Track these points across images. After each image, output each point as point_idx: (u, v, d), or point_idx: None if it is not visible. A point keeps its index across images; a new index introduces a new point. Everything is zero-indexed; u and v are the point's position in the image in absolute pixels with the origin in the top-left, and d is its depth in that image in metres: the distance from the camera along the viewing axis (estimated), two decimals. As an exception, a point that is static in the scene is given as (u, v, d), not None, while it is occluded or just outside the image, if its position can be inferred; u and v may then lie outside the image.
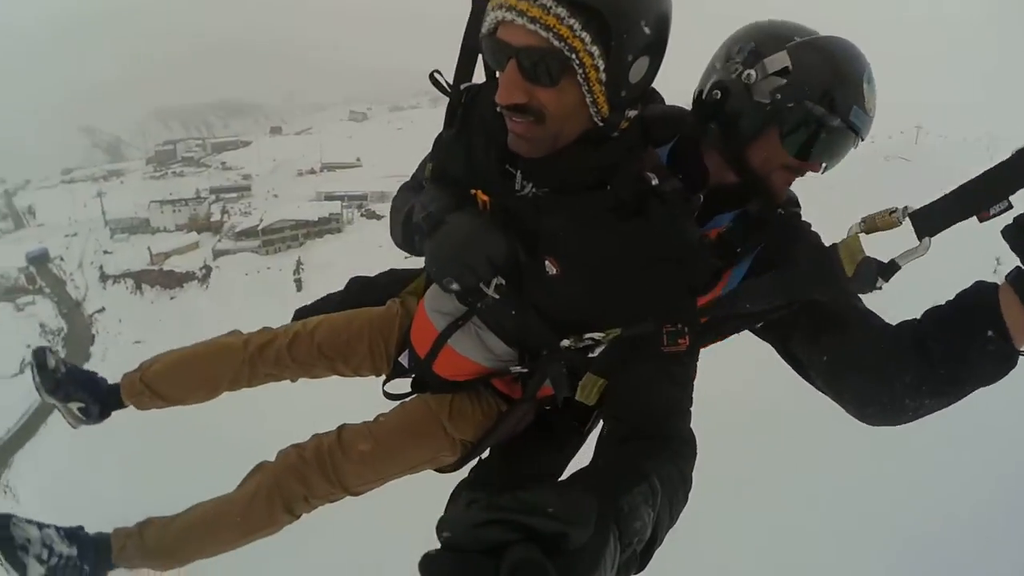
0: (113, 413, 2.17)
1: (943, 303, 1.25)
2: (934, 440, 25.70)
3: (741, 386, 28.07)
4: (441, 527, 0.71)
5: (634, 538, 0.93)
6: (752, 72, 1.55)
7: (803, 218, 1.79)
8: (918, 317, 1.30)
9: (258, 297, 56.92)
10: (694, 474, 1.33)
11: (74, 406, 2.07)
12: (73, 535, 1.85)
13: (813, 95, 1.51)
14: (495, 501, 0.71)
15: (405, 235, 1.75)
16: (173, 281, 60.92)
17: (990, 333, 1.12)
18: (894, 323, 1.37)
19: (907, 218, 1.18)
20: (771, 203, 1.67)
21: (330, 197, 71.42)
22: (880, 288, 1.21)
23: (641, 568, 1.01)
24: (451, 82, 1.69)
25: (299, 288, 56.91)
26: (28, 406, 50.67)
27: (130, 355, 51.65)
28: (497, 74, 1.33)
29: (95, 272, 66.11)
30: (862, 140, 1.61)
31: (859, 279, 1.20)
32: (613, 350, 1.46)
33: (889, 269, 1.20)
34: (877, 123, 1.58)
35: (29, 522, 1.79)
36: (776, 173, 1.62)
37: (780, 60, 1.53)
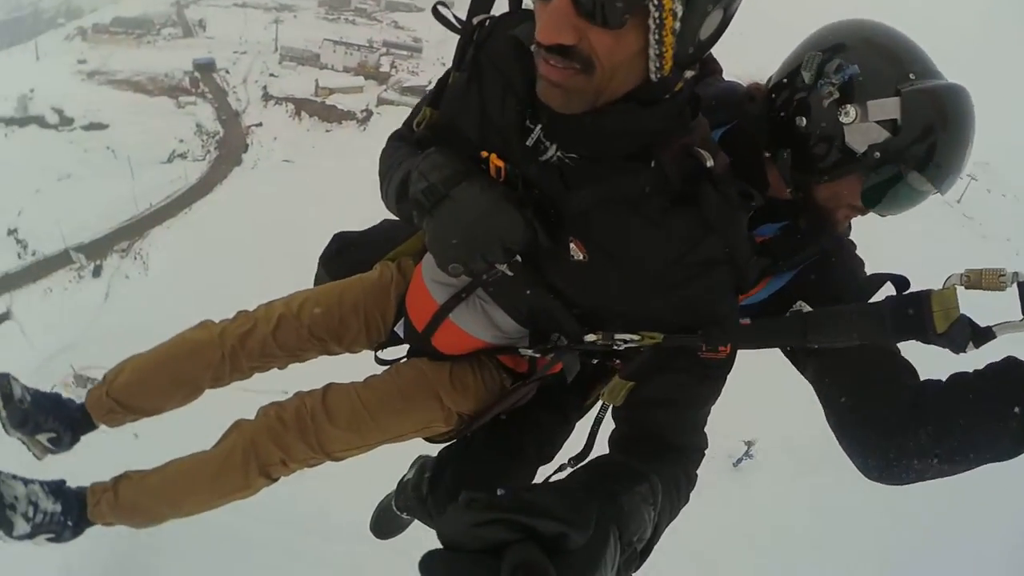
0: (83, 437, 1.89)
1: (970, 372, 1.23)
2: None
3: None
4: (442, 526, 0.71)
5: (634, 537, 0.92)
6: (851, 110, 1.35)
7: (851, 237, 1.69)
8: (943, 379, 1.27)
9: (411, 150, 57.21)
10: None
11: (44, 437, 1.79)
12: (57, 490, 1.71)
13: (916, 162, 1.36)
14: (496, 501, 0.71)
15: (400, 206, 1.47)
16: (333, 116, 62.12)
17: (1016, 410, 1.12)
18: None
19: (1015, 285, 1.07)
20: (825, 231, 1.55)
21: (498, 78, 70.64)
22: (965, 352, 1.10)
23: (640, 566, 1.00)
24: (462, 17, 1.44)
25: (449, 154, 57.38)
26: (172, 192, 52.92)
27: (279, 171, 54.79)
28: (535, 3, 1.08)
29: (258, 91, 68.62)
30: None
31: (950, 338, 1.08)
32: (649, 356, 1.29)
33: (983, 336, 1.08)
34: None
35: (15, 478, 1.66)
36: (841, 210, 1.51)
37: (889, 109, 1.33)
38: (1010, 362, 1.18)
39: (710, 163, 1.16)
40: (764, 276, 1.55)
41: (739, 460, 29.13)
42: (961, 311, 1.09)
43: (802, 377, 1.56)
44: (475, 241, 1.21)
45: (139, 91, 69.21)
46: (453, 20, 1.45)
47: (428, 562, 0.69)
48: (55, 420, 1.77)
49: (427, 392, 1.68)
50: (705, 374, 1.28)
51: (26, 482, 1.65)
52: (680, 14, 0.98)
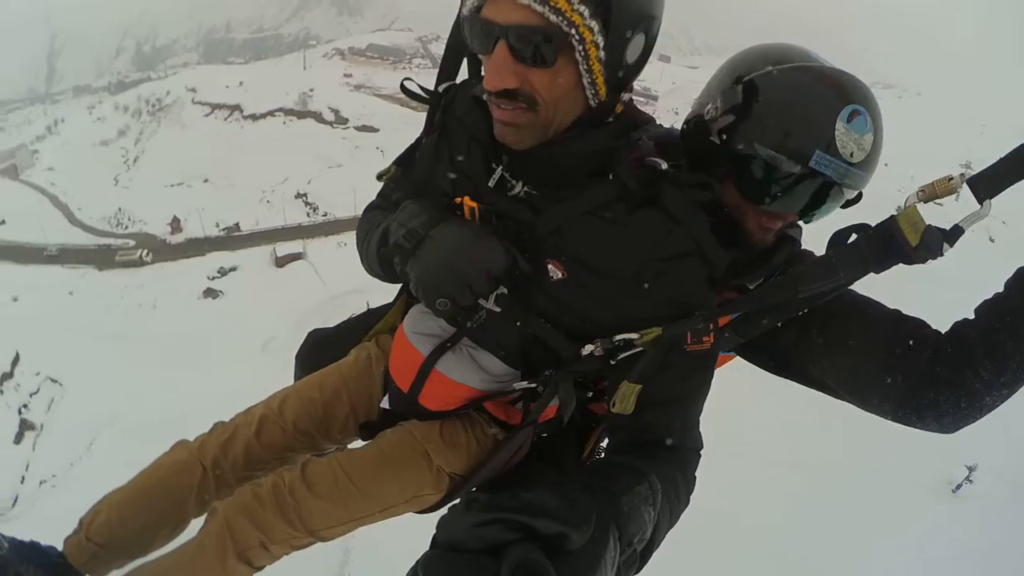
0: None
1: (992, 296, 1.23)
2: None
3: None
4: (442, 526, 0.72)
5: (634, 538, 0.94)
6: (710, 107, 1.42)
7: (803, 247, 1.62)
8: (971, 317, 1.27)
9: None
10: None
11: None
12: None
13: (763, 137, 1.33)
14: (496, 501, 0.71)
15: (381, 260, 1.48)
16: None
17: None
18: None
19: (965, 184, 1.14)
20: (750, 243, 1.50)
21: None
22: (943, 255, 1.18)
23: (641, 568, 1.01)
24: (428, 88, 1.53)
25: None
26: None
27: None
28: (482, 59, 1.21)
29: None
30: (850, 189, 1.38)
31: (925, 247, 1.15)
32: (653, 354, 1.27)
33: (954, 234, 1.16)
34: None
35: None
36: (748, 216, 1.44)
37: (733, 96, 1.36)
38: (1018, 271, 1.20)
39: (664, 166, 1.24)
40: (755, 307, 1.47)
41: (959, 486, 28.07)
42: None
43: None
44: (459, 273, 1.22)
45: (404, 105, 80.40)
46: (420, 91, 1.51)
47: (428, 562, 0.68)
48: (37, 568, 1.56)
49: (415, 452, 1.54)
50: (694, 366, 1.29)
51: None
52: (602, 44, 1.10)
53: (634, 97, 1.29)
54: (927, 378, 1.26)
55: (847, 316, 1.42)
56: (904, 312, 1.41)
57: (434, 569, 0.68)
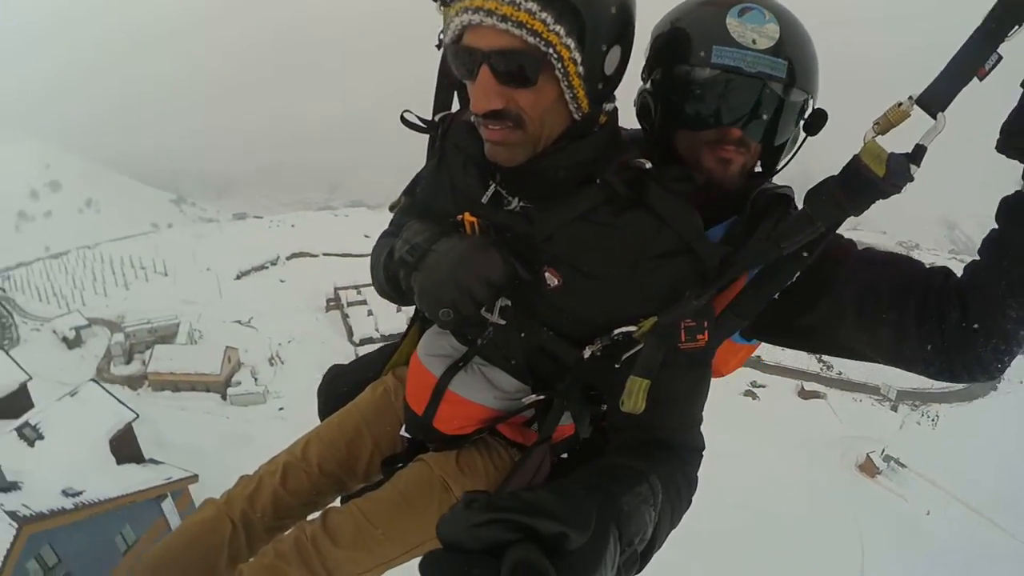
0: None
1: (990, 233, 1.23)
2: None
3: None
4: (441, 526, 0.70)
5: (635, 538, 0.93)
6: (642, 87, 1.52)
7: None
8: (977, 259, 1.25)
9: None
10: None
11: None
12: None
13: (667, 59, 1.43)
14: (496, 501, 0.70)
15: (388, 277, 1.50)
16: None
17: None
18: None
19: (915, 105, 1.13)
20: (720, 188, 1.48)
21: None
22: (913, 179, 1.16)
23: (641, 568, 1.00)
24: (426, 118, 1.59)
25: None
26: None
27: None
28: (468, 85, 1.22)
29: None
30: (777, 84, 1.35)
31: (893, 175, 1.14)
32: (652, 345, 1.25)
33: (917, 154, 1.15)
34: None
35: None
36: (702, 154, 1.45)
37: (647, 46, 1.51)
38: (1002, 200, 1.20)
39: (648, 165, 1.26)
40: (739, 273, 1.36)
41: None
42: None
43: None
44: (459, 282, 1.23)
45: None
46: (419, 122, 1.55)
47: (428, 562, 0.67)
48: None
49: (432, 485, 1.53)
50: (689, 364, 1.27)
51: None
52: (579, 60, 1.13)
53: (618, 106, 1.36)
54: (963, 338, 1.22)
55: (876, 289, 1.34)
56: (920, 265, 1.36)
57: (433, 569, 0.67)
